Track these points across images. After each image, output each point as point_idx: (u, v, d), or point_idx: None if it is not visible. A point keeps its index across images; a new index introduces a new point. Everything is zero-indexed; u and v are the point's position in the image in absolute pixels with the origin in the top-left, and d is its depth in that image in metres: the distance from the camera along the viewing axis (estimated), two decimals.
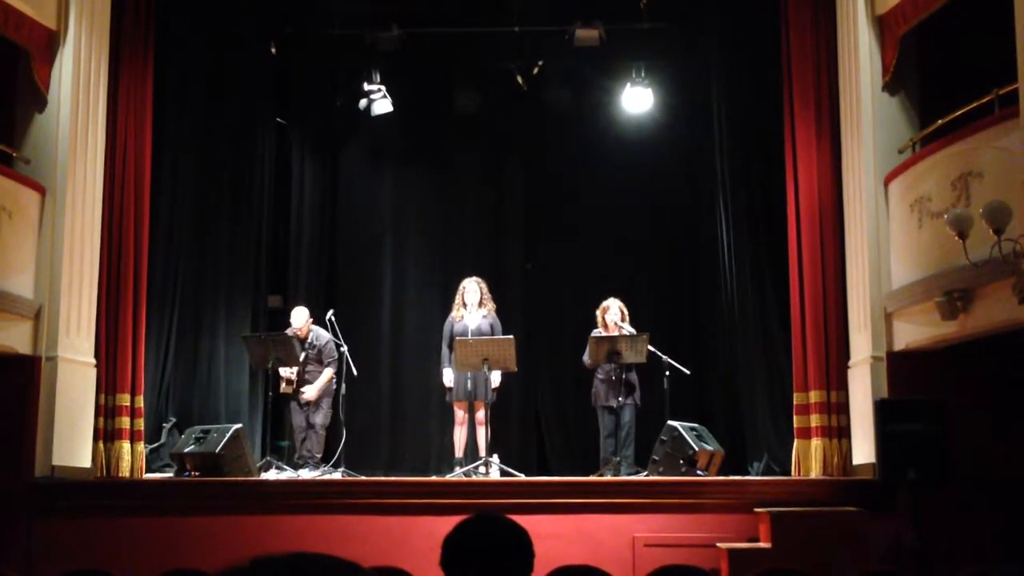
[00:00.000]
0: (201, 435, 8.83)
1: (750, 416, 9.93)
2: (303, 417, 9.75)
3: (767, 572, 5.89)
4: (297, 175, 11.70)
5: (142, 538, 7.75)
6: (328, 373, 9.77)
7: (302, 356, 9.69)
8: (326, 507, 7.99)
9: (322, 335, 9.86)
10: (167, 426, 9.98)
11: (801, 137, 9.01)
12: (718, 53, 10.69)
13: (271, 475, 9.15)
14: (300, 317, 9.91)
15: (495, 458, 9.20)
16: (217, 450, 8.45)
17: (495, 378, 9.35)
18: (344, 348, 9.64)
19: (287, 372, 9.67)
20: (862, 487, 7.93)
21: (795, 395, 8.83)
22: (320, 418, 9.75)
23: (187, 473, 8.62)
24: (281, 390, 9.78)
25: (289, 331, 9.89)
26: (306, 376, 9.76)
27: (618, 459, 9.04)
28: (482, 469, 8.94)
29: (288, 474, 9.21)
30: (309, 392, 9.71)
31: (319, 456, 9.69)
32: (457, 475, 9.02)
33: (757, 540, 7.67)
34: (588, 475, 9.23)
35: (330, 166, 11.89)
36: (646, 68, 10.88)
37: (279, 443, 10.31)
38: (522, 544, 2.55)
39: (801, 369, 8.80)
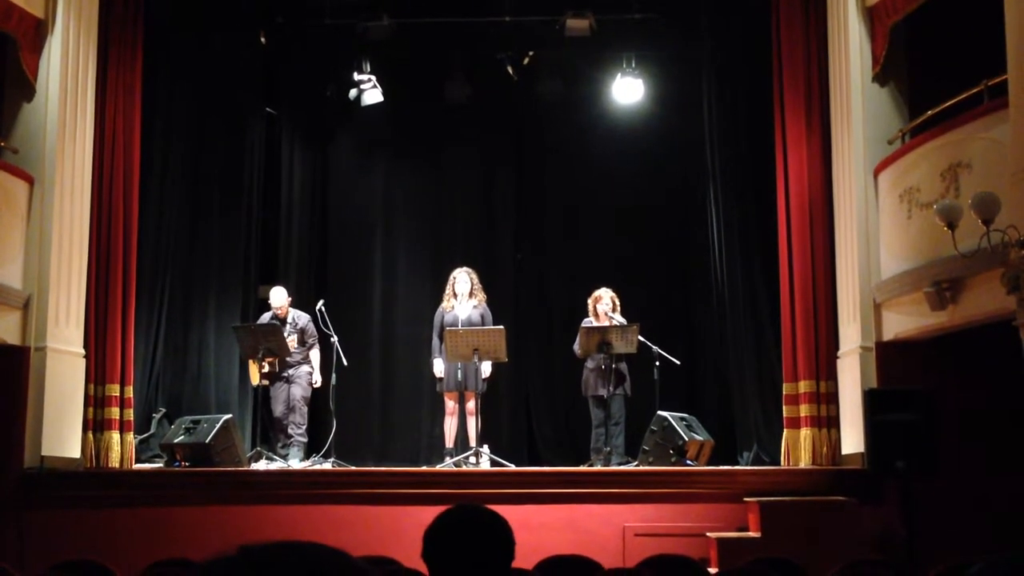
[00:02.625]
0: (191, 425, 8.82)
1: (740, 406, 9.95)
2: (284, 405, 9.71)
3: (756, 561, 5.91)
4: (287, 165, 11.66)
5: (132, 528, 7.75)
6: (317, 355, 9.77)
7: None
8: (316, 497, 8.00)
9: (302, 316, 9.85)
10: (157, 416, 9.96)
11: (791, 127, 9.02)
12: (709, 44, 10.67)
13: (261, 465, 9.14)
14: (279, 297, 9.87)
15: (485, 448, 9.21)
16: (207, 440, 8.44)
17: (486, 368, 9.35)
18: (334, 338, 9.62)
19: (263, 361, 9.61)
20: (851, 476, 7.96)
21: (785, 385, 8.86)
22: (300, 390, 9.66)
23: (177, 463, 8.61)
24: (256, 382, 9.65)
25: (267, 314, 9.86)
26: (287, 359, 9.72)
27: (608, 449, 9.06)
28: (472, 459, 8.95)
29: (278, 464, 9.21)
30: (316, 378, 9.72)
31: (304, 426, 9.63)
32: (447, 465, 9.03)
33: (746, 529, 7.70)
34: (578, 465, 9.26)
35: (320, 156, 11.86)
36: (637, 59, 10.87)
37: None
38: (503, 533, 2.56)
39: (791, 359, 8.83)
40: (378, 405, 11.29)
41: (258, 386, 9.66)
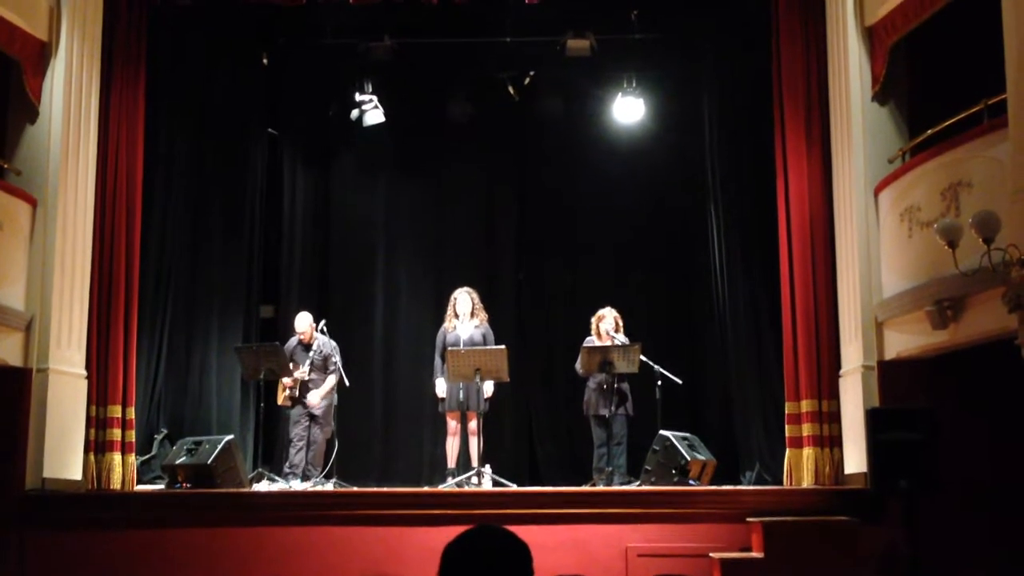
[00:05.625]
0: (193, 446, 8.80)
1: (742, 425, 9.94)
2: (303, 428, 9.66)
3: None
4: (289, 186, 11.70)
5: (133, 550, 7.73)
6: (332, 381, 9.67)
7: (307, 363, 9.62)
8: (318, 518, 7.96)
9: (328, 342, 9.78)
10: (158, 438, 9.94)
11: (792, 147, 9.03)
12: (709, 63, 10.73)
13: (263, 487, 9.12)
14: (303, 322, 9.85)
15: (488, 468, 9.19)
16: (209, 461, 8.42)
17: (487, 388, 9.35)
18: (337, 358, 9.62)
19: (288, 380, 9.58)
20: (854, 496, 7.93)
21: (787, 404, 8.84)
22: (323, 434, 9.66)
23: (179, 485, 8.59)
24: (280, 401, 9.72)
25: (294, 339, 9.83)
26: (309, 385, 9.68)
27: (610, 469, 9.03)
28: (475, 479, 8.92)
29: (280, 485, 9.19)
30: (312, 398, 9.62)
31: (319, 472, 9.54)
32: (450, 486, 9.01)
33: (749, 550, 7.67)
34: (580, 485, 9.23)
35: (322, 177, 11.89)
36: (637, 78, 10.91)
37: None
38: (522, 557, 2.56)
39: (792, 378, 8.81)
40: (380, 425, 11.28)
41: (281, 406, 9.73)
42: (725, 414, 10.36)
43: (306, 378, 9.62)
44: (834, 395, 8.62)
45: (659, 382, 9.21)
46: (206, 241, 10.84)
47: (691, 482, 8.46)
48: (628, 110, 10.96)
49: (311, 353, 9.68)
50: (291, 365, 9.57)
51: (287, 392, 9.62)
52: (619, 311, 9.70)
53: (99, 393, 8.73)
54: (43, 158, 8.56)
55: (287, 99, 11.75)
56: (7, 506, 7.91)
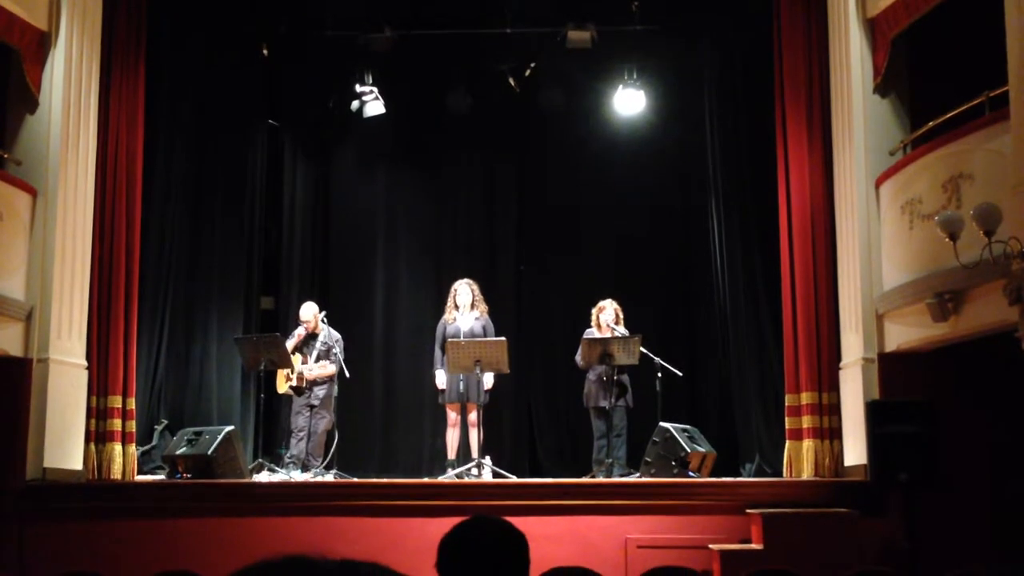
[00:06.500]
0: (193, 437, 8.81)
1: (742, 417, 9.95)
2: (304, 419, 9.65)
3: (759, 573, 5.90)
4: (289, 177, 11.69)
5: (134, 540, 7.74)
6: (330, 368, 9.65)
7: (314, 354, 9.61)
8: (318, 509, 7.98)
9: (334, 334, 9.74)
10: (159, 428, 9.96)
11: (793, 139, 9.03)
12: (710, 55, 10.72)
13: (263, 477, 9.13)
14: (308, 311, 9.80)
15: (487, 460, 9.20)
16: (209, 452, 8.43)
17: (487, 380, 9.35)
18: (337, 350, 9.62)
19: (290, 372, 9.55)
20: (854, 488, 7.94)
21: (787, 396, 8.85)
22: (324, 424, 9.65)
23: (179, 475, 8.60)
24: (281, 390, 9.70)
25: (300, 329, 9.80)
26: (316, 380, 9.67)
27: (610, 460, 9.04)
28: (475, 471, 8.94)
29: (280, 476, 9.19)
30: (310, 370, 9.55)
31: (320, 463, 9.55)
32: (450, 477, 9.02)
33: (749, 541, 7.68)
34: (580, 477, 9.24)
35: (322, 168, 11.88)
36: (638, 70, 10.89)
37: (278, 451, 10.22)
38: (518, 547, 2.57)
39: (793, 370, 8.82)
40: (380, 417, 11.28)
41: (283, 395, 9.71)
42: (725, 406, 10.37)
43: (310, 375, 9.56)
44: (834, 387, 8.62)
45: (659, 374, 9.22)
46: (206, 232, 10.84)
47: (691, 474, 8.47)
48: (629, 102, 10.94)
49: (317, 343, 9.66)
50: (296, 354, 9.57)
51: (290, 383, 9.60)
52: (619, 302, 9.70)
53: (99, 383, 8.73)
54: (43, 148, 8.55)
55: (287, 90, 11.73)
56: (7, 496, 7.92)
